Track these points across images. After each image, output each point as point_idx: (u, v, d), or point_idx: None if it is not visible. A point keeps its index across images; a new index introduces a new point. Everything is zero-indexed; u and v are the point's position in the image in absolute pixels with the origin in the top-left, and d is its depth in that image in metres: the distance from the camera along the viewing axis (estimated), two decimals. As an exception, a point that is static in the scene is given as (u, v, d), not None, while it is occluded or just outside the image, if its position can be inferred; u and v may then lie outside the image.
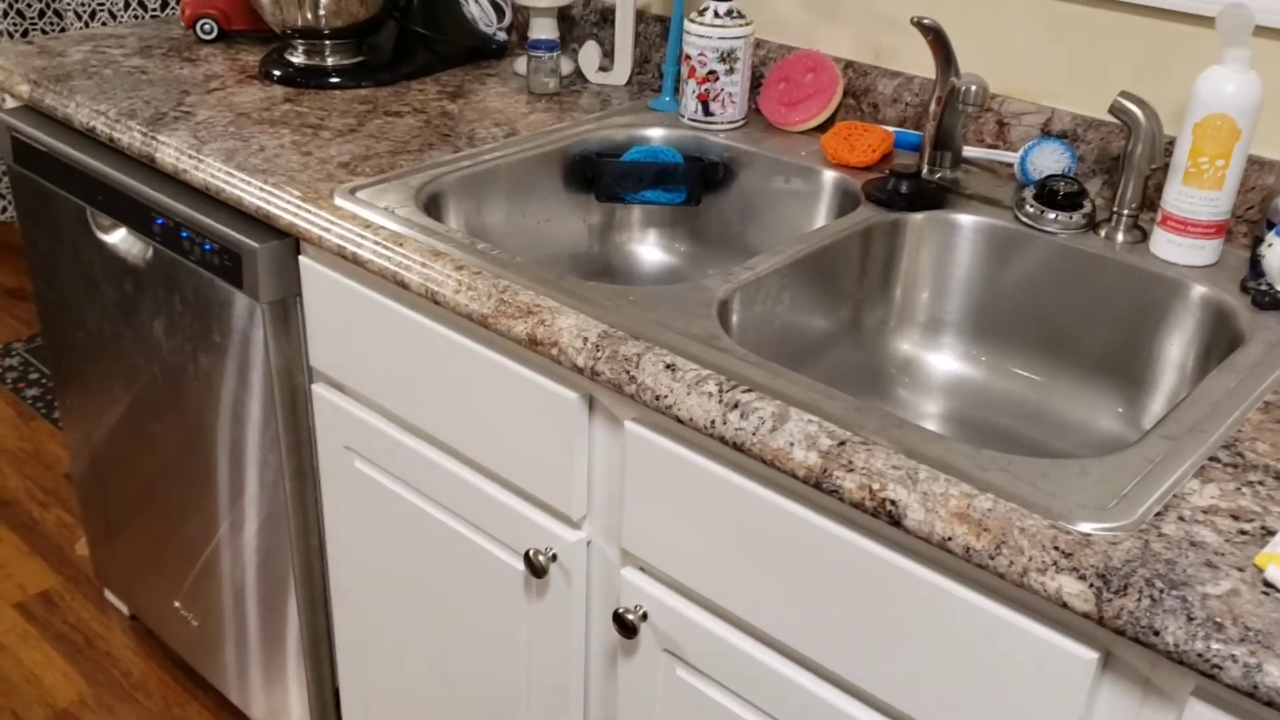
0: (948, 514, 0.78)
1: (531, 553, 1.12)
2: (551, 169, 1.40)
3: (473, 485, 1.19)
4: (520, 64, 1.64)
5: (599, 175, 1.42)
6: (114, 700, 1.89)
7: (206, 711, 1.87)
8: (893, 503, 0.80)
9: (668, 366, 0.94)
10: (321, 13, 1.51)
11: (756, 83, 1.49)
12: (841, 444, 0.84)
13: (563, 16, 1.67)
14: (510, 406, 1.10)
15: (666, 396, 0.92)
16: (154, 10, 2.35)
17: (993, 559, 0.76)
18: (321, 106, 1.49)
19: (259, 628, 1.61)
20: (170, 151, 1.35)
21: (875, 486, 0.81)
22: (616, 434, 1.03)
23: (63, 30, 2.66)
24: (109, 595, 2.08)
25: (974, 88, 1.21)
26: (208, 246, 1.33)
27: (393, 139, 1.39)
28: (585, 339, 0.99)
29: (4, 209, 3.37)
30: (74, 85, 1.51)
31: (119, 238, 1.48)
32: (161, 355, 1.50)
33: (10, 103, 1.62)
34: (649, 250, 1.47)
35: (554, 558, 1.13)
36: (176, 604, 1.76)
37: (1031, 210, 1.19)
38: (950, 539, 0.78)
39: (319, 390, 1.34)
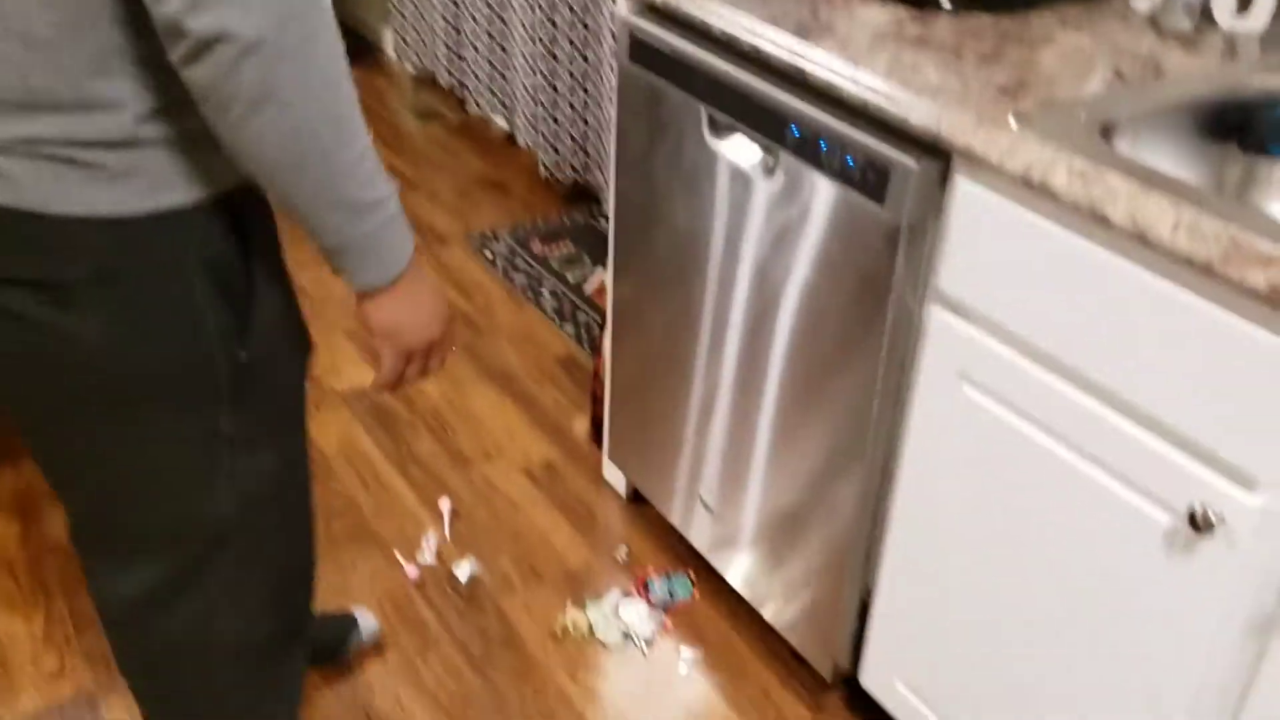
0: None
1: (1197, 509, 1.09)
2: (1188, 112, 1.33)
3: (1124, 432, 1.16)
4: (1141, 1, 1.57)
5: (1252, 123, 1.33)
6: (616, 571, 2.03)
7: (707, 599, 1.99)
8: None
9: None
10: (963, -65, 1.50)
11: None
12: None
13: (1194, -47, 1.58)
14: (1210, 358, 1.06)
15: None
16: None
17: None
18: (949, 31, 1.48)
19: (791, 532, 1.67)
20: (820, 66, 1.39)
21: None
22: (1355, 402, 0.97)
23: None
24: (606, 476, 2.23)
25: None
26: (850, 161, 1.36)
27: (1039, 68, 1.36)
28: (1356, 298, 0.93)
29: (477, 104, 3.64)
30: (707, -8, 1.58)
31: (735, 143, 1.54)
32: (757, 261, 1.57)
33: (625, 3, 1.72)
34: (1294, 210, 1.38)
35: (1221, 519, 1.09)
36: (701, 492, 1.87)
37: None
38: None
39: (937, 313, 1.35)
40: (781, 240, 1.52)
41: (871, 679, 1.64)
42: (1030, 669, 1.36)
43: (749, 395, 1.68)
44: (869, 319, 1.42)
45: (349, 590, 1.97)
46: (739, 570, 1.83)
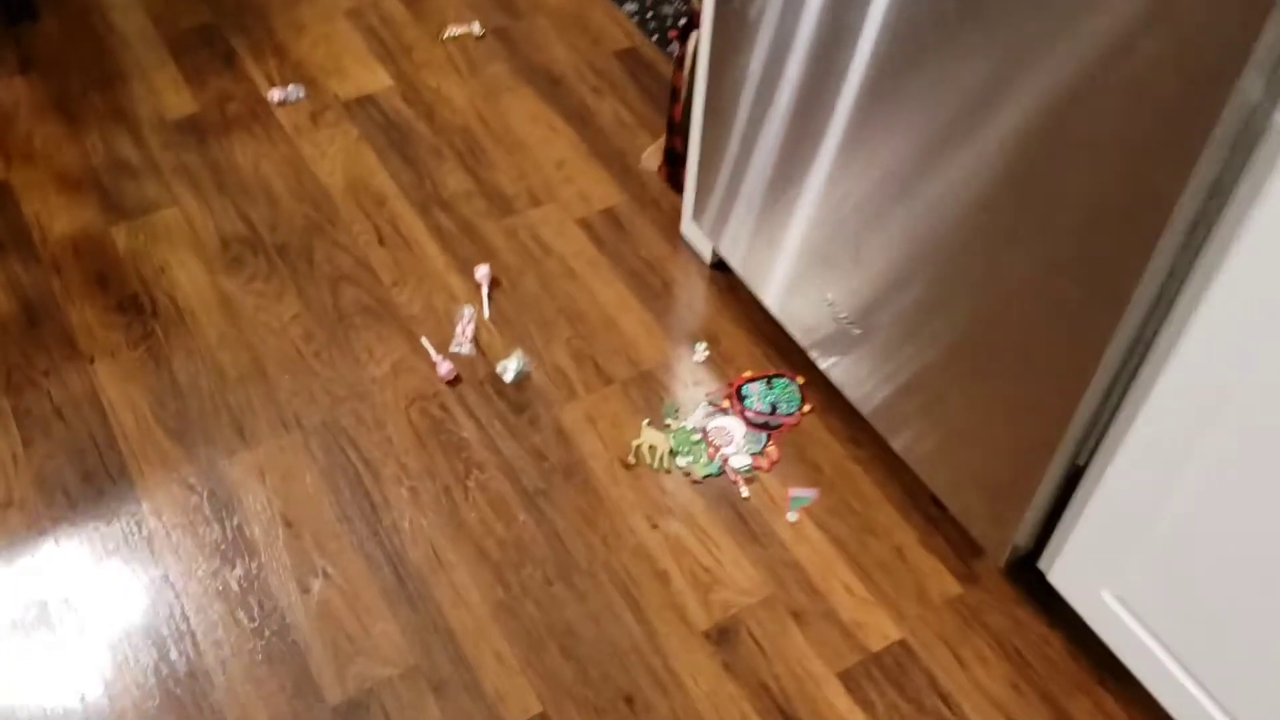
0: None
1: None
2: None
3: None
4: None
5: None
6: (700, 371, 1.59)
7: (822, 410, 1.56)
8: None
9: None
10: None
11: None
12: None
13: None
14: None
15: None
16: None
17: None
18: None
19: (970, 359, 1.21)
20: None
21: None
22: None
23: None
24: (684, 232, 1.74)
25: None
26: None
27: None
28: None
29: None
30: None
31: None
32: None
33: None
34: None
35: None
36: (829, 297, 1.39)
37: None
38: None
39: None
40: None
41: (1064, 577, 1.24)
42: (1340, 644, 0.95)
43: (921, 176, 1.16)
44: (1194, 103, 0.88)
45: (368, 394, 1.53)
46: (860, 384, 1.39)
